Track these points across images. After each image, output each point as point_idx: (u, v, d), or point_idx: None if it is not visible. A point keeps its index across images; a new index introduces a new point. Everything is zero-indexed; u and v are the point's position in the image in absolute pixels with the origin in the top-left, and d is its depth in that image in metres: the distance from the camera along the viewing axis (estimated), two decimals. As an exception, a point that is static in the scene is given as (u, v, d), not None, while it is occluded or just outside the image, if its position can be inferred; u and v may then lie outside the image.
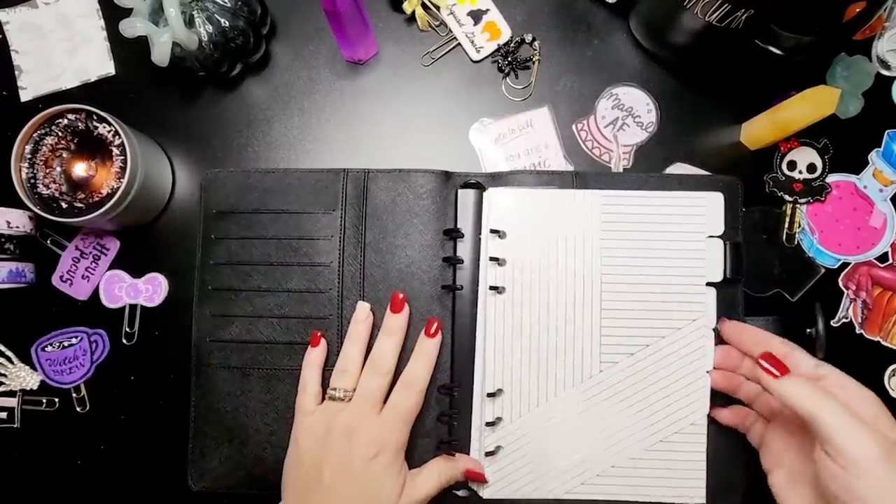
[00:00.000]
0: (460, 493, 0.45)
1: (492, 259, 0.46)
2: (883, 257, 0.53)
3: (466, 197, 0.47)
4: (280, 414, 0.46)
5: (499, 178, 0.48)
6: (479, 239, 0.47)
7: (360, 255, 0.47)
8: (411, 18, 0.54)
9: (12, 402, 0.53)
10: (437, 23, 0.55)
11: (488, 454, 0.45)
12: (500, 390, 0.45)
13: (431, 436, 0.45)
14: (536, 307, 0.46)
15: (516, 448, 0.45)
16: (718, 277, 0.46)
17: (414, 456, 0.44)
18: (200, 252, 0.48)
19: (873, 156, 0.53)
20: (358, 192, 0.47)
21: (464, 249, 0.47)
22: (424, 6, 0.54)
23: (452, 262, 0.47)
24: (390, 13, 0.55)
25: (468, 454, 0.45)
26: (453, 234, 0.47)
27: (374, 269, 0.47)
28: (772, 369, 0.36)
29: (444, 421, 0.45)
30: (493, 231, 0.46)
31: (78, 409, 0.53)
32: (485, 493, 0.45)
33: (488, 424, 0.45)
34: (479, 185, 0.48)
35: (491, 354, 0.46)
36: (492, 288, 0.46)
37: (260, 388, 0.46)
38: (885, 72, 0.53)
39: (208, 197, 0.48)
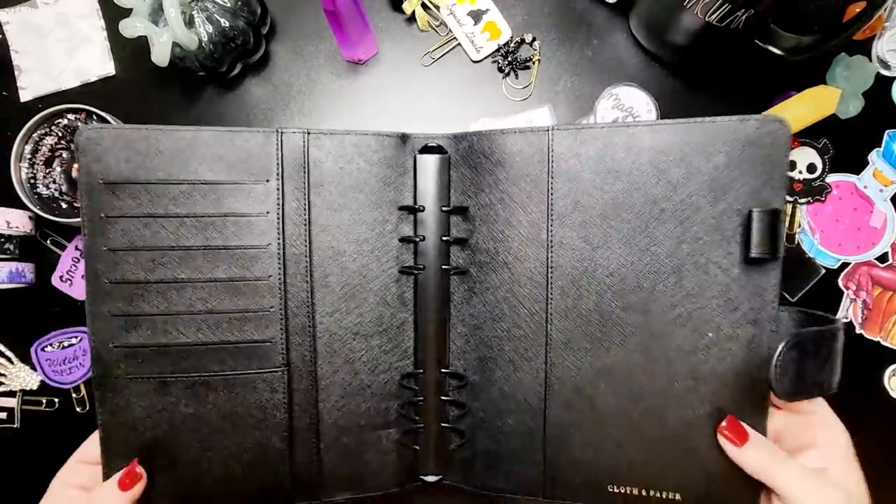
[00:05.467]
0: (429, 478, 0.44)
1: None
2: (883, 257, 0.53)
3: (426, 163, 0.42)
4: (215, 426, 0.40)
5: (462, 139, 0.42)
6: (443, 212, 0.43)
7: (304, 235, 0.40)
8: (411, 18, 0.54)
9: (12, 402, 0.53)
10: (437, 23, 0.55)
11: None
12: (463, 376, 0.43)
13: (395, 426, 0.43)
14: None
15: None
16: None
17: (379, 449, 0.43)
18: (87, 236, 0.38)
19: (873, 156, 0.53)
20: (297, 158, 0.40)
21: (425, 225, 0.43)
22: (424, 6, 0.54)
23: (412, 241, 0.42)
24: (390, 13, 0.55)
25: (434, 438, 0.44)
26: (412, 209, 0.42)
27: (323, 251, 0.41)
28: (733, 438, 0.37)
29: (406, 413, 0.43)
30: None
31: (78, 409, 0.53)
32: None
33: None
34: (440, 149, 0.43)
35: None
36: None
37: (186, 400, 0.39)
38: (885, 72, 0.53)
39: (89, 163, 0.38)
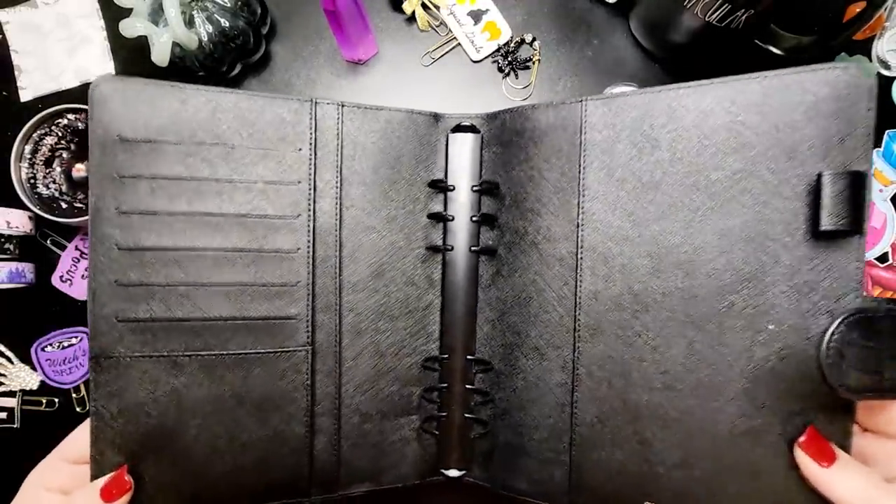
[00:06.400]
0: (450, 472, 0.42)
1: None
2: (883, 257, 0.53)
3: (458, 142, 0.41)
4: (226, 411, 0.37)
5: (494, 118, 0.42)
6: (474, 192, 0.42)
7: (335, 208, 0.38)
8: (411, 18, 0.54)
9: (12, 402, 0.53)
10: (437, 23, 0.55)
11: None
12: (489, 363, 0.41)
13: (416, 413, 0.42)
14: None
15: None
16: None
17: (400, 437, 0.41)
18: (96, 196, 0.35)
19: (873, 156, 0.53)
20: (330, 129, 0.39)
21: (455, 205, 0.42)
22: (424, 6, 0.54)
23: (442, 219, 0.41)
24: (390, 13, 0.55)
25: (457, 428, 0.42)
26: (442, 187, 0.41)
27: (352, 226, 0.39)
28: (816, 455, 0.29)
29: (430, 398, 0.42)
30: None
31: (78, 409, 0.53)
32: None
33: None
34: (473, 128, 0.42)
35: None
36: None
37: (199, 382, 0.36)
38: (885, 72, 0.53)
39: (105, 117, 0.35)
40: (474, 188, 0.42)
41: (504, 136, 0.41)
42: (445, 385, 0.42)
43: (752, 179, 0.32)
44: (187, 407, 0.36)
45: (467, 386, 0.42)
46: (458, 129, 0.42)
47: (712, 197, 0.33)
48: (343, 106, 0.39)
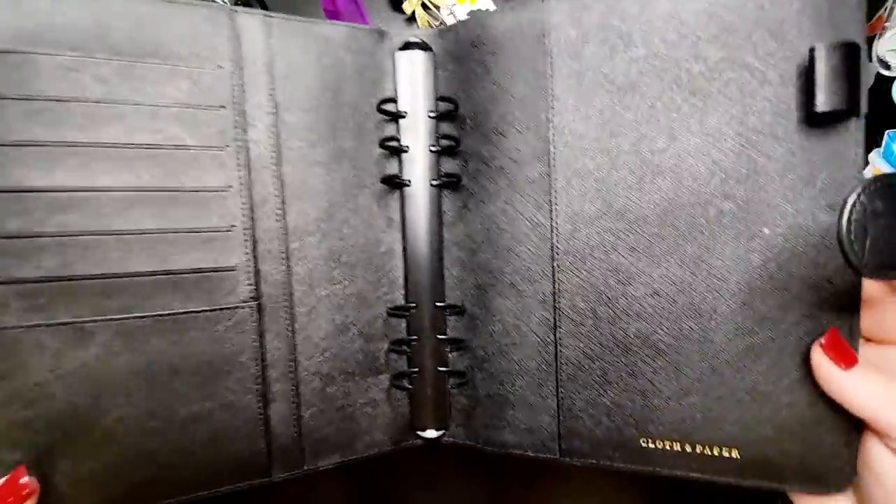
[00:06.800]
0: (427, 434, 0.39)
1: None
2: (883, 257, 0.53)
3: (407, 61, 0.37)
4: (157, 384, 0.31)
5: (447, 31, 0.37)
6: (430, 118, 0.37)
7: (272, 137, 0.33)
8: (411, 18, 0.54)
9: (12, 402, 0.53)
10: (437, 23, 0.55)
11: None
12: (461, 308, 0.38)
13: (385, 371, 0.38)
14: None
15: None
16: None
17: (369, 399, 0.37)
18: None
19: (873, 156, 0.53)
20: (256, 44, 0.33)
21: (409, 133, 0.37)
22: (424, 6, 0.54)
23: (396, 150, 0.37)
24: (390, 13, 0.55)
25: (430, 385, 0.38)
26: (394, 114, 0.37)
27: (294, 161, 0.34)
28: (836, 357, 0.27)
29: (399, 350, 0.38)
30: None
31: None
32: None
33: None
34: (424, 45, 0.37)
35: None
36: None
37: (117, 352, 0.30)
38: (885, 72, 0.53)
39: None
40: (430, 115, 0.37)
41: (459, 51, 0.36)
42: (415, 337, 0.38)
43: (737, 68, 0.29)
44: (104, 383, 0.30)
45: (439, 336, 0.38)
46: (407, 46, 0.37)
47: (694, 93, 0.30)
48: (270, 17, 0.34)
